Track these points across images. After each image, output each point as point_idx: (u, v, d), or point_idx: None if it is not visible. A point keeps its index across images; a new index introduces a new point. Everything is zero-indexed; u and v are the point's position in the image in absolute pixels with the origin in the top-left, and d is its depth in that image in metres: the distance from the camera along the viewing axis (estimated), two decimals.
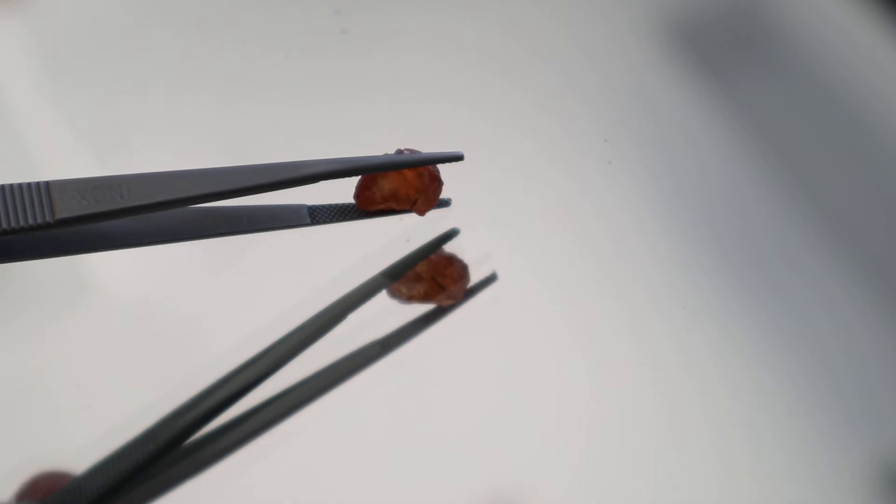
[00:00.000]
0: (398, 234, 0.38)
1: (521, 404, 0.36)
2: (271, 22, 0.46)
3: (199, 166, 0.36)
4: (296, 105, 0.44)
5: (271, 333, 0.36)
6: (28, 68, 0.45)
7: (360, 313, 0.37)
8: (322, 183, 0.36)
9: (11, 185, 0.32)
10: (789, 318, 0.38)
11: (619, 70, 0.45)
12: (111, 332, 0.37)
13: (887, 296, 0.39)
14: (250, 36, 0.46)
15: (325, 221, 0.37)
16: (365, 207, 0.38)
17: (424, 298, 0.37)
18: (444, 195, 0.38)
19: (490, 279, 0.37)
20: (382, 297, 0.37)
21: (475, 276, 0.38)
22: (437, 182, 0.37)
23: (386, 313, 0.37)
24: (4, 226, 0.33)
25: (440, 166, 0.38)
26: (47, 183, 0.33)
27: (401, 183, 0.37)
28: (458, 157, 0.37)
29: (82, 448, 0.34)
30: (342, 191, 0.38)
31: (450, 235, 0.38)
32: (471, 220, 0.38)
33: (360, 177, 0.37)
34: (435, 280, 0.37)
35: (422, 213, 0.38)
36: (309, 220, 0.37)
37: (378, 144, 0.38)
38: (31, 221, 0.32)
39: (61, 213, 0.33)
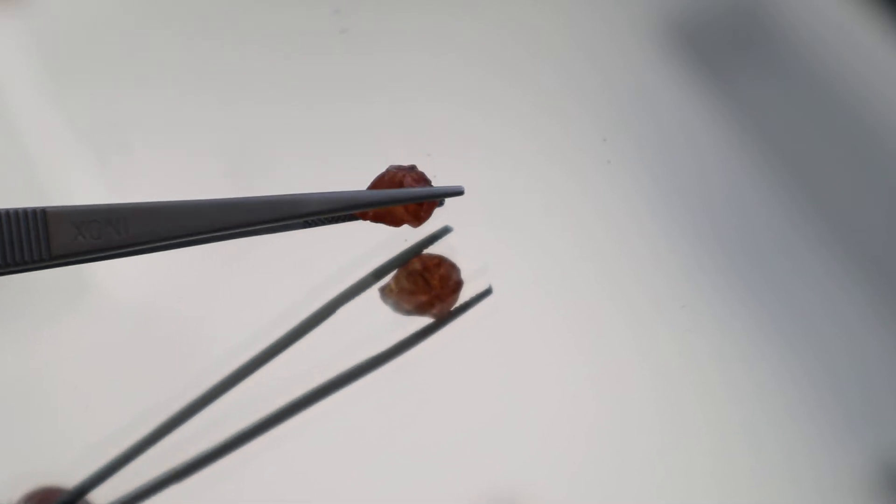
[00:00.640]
0: (397, 233, 0.38)
1: (521, 405, 0.36)
2: (271, 22, 0.46)
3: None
4: (295, 105, 0.44)
5: (268, 335, 0.36)
6: (28, 68, 0.45)
7: (357, 323, 0.37)
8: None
9: (7, 212, 0.32)
10: (790, 319, 0.38)
11: (618, 69, 0.45)
12: (109, 334, 0.38)
13: (888, 296, 0.39)
14: (250, 36, 0.46)
15: (318, 224, 0.37)
16: (359, 216, 0.38)
17: (411, 296, 0.37)
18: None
19: (485, 293, 0.37)
20: (379, 305, 0.37)
21: (474, 278, 0.38)
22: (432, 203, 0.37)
23: (382, 320, 0.37)
24: None
25: (442, 160, 0.38)
26: (44, 211, 0.32)
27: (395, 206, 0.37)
28: (458, 192, 0.37)
29: (80, 451, 0.34)
30: None
31: (441, 233, 0.38)
32: (469, 219, 0.38)
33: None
34: (423, 277, 0.37)
35: (416, 226, 0.38)
36: (302, 223, 0.37)
37: (377, 143, 0.39)
38: (26, 258, 0.32)
39: (58, 251, 0.33)
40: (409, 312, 0.37)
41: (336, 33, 0.45)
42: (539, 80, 0.44)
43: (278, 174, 0.41)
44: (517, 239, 0.40)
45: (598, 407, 0.36)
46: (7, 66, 0.45)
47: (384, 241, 0.38)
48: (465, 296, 0.37)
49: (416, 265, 0.37)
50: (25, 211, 0.32)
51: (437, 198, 0.37)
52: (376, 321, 0.37)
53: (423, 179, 0.37)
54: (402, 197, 0.36)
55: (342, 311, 0.37)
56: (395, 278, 0.37)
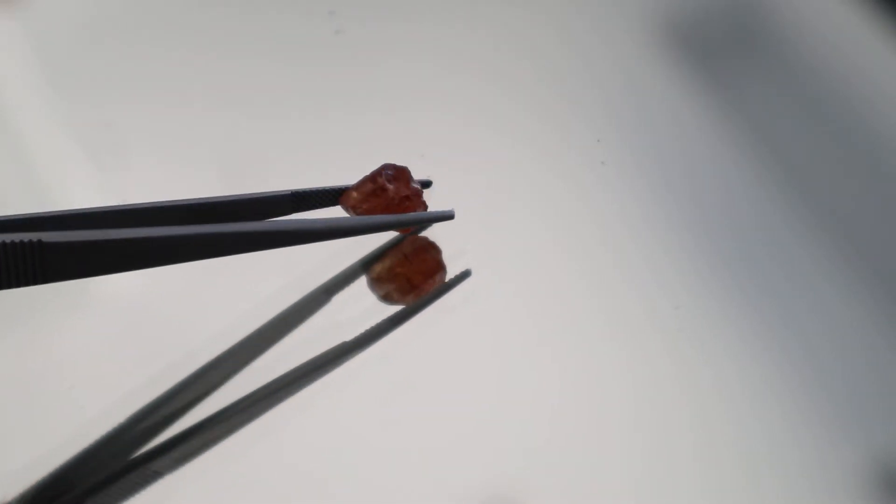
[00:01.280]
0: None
1: (516, 405, 0.36)
2: (266, 21, 0.46)
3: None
4: (290, 104, 0.44)
5: (256, 321, 0.36)
6: (26, 68, 0.46)
7: (346, 311, 0.37)
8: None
9: (4, 244, 0.32)
10: (784, 320, 0.38)
11: (611, 70, 0.45)
12: (104, 331, 0.38)
13: (882, 297, 0.39)
14: (246, 36, 0.46)
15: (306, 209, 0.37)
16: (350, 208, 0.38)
17: (393, 272, 0.37)
18: (437, 192, 0.38)
19: (463, 275, 0.37)
20: (367, 294, 0.37)
21: (467, 281, 0.38)
22: (422, 207, 0.38)
23: (373, 310, 0.37)
24: None
25: (435, 161, 0.38)
26: (41, 242, 0.32)
27: (383, 209, 0.37)
28: (448, 217, 0.37)
29: (69, 446, 0.34)
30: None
31: (441, 218, 0.38)
32: (462, 220, 0.38)
33: (346, 191, 0.37)
34: (406, 256, 0.37)
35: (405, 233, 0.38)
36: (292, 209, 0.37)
37: (370, 144, 0.39)
38: (21, 284, 0.33)
39: (53, 278, 0.33)
40: (394, 301, 0.37)
41: (331, 34, 0.45)
42: (533, 80, 0.45)
43: (271, 174, 0.41)
44: (510, 240, 0.40)
45: (590, 408, 0.36)
46: (6, 66, 0.46)
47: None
48: (463, 296, 0.37)
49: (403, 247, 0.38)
50: (22, 244, 0.32)
51: (427, 222, 0.37)
52: (364, 310, 0.37)
53: (400, 178, 0.37)
54: (396, 223, 0.37)
55: (330, 300, 0.37)
56: (382, 260, 0.38)
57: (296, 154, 0.42)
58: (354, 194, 0.37)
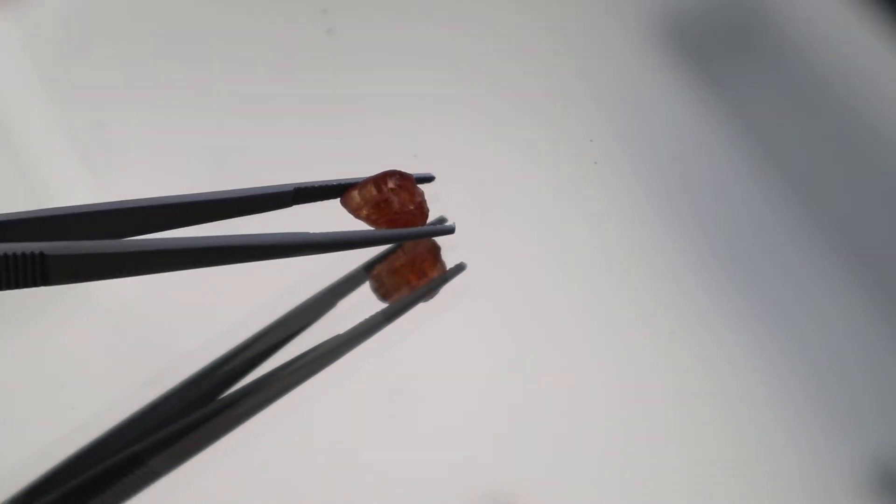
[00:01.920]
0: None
1: (515, 404, 0.36)
2: (259, 26, 0.46)
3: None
4: (283, 105, 0.44)
5: (258, 322, 0.36)
6: (19, 68, 0.45)
7: (345, 312, 0.37)
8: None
9: (6, 256, 0.32)
10: (781, 320, 0.38)
11: (604, 69, 0.45)
12: (104, 331, 0.38)
13: (880, 297, 0.39)
14: (237, 39, 0.46)
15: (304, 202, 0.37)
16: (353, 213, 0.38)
17: (393, 271, 0.37)
18: (431, 191, 0.38)
19: (458, 268, 0.37)
20: (370, 298, 0.37)
21: (465, 280, 0.38)
22: (423, 217, 0.38)
23: (373, 310, 0.37)
24: None
25: (429, 161, 0.38)
26: (42, 255, 0.32)
27: (387, 222, 0.37)
28: (449, 231, 0.37)
29: (68, 445, 0.34)
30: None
31: (441, 232, 0.38)
32: (457, 220, 0.38)
33: (348, 190, 0.37)
34: (406, 255, 0.37)
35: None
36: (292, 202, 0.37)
37: (362, 144, 0.39)
38: (22, 287, 0.33)
39: (54, 284, 0.33)
40: (392, 299, 0.37)
41: (323, 33, 0.45)
42: (526, 80, 0.45)
43: (262, 172, 0.41)
44: (504, 240, 0.40)
45: (587, 408, 0.36)
46: (4, 66, 0.46)
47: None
48: (461, 296, 0.37)
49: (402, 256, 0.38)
50: (24, 255, 0.32)
51: (429, 236, 0.37)
52: (364, 310, 0.37)
53: (405, 189, 0.37)
54: (396, 236, 0.37)
55: (330, 300, 0.37)
56: (382, 265, 0.38)
57: (288, 153, 0.42)
58: (357, 197, 0.37)
